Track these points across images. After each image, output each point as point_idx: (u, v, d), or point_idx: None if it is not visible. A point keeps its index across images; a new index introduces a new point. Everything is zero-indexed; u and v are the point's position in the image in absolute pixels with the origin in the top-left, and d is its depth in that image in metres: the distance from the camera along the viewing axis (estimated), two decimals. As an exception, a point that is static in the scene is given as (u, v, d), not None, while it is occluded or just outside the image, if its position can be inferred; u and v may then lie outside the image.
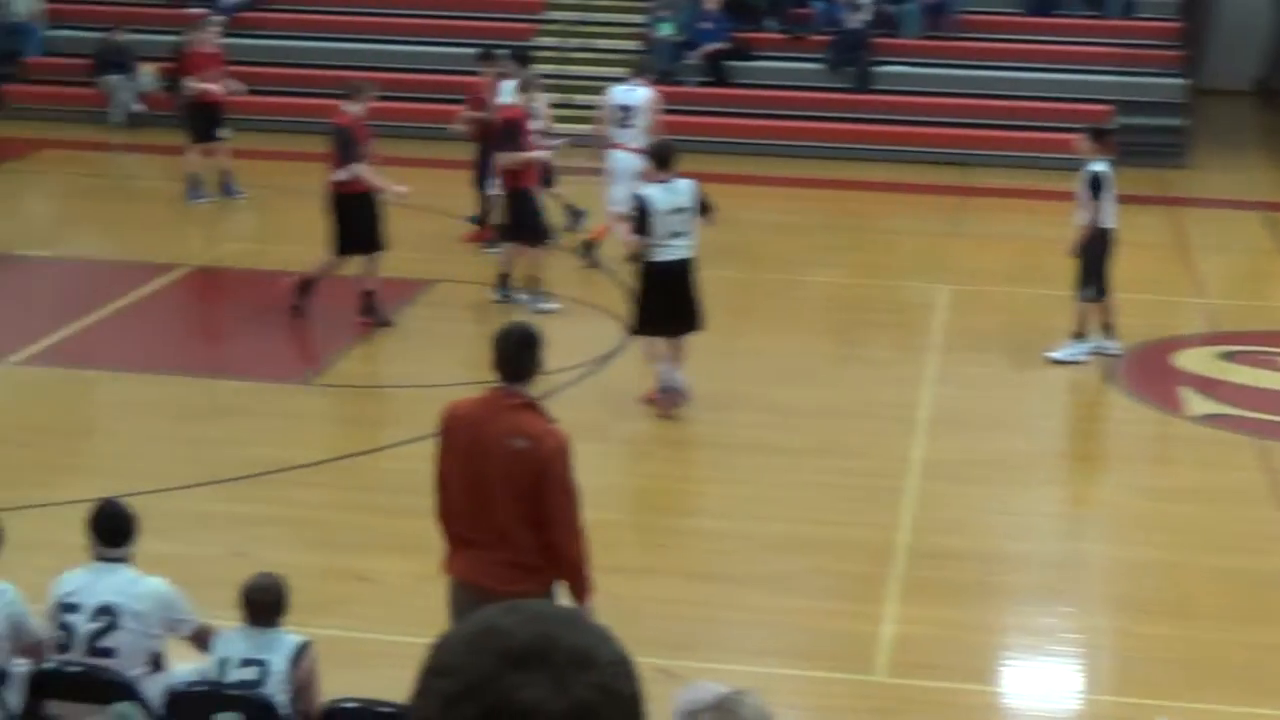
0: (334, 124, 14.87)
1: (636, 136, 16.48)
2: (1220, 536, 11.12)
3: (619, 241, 15.67)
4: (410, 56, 24.28)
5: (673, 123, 17.30)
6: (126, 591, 7.22)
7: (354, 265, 14.94)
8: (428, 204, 17.08)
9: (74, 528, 7.65)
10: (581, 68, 23.57)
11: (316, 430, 12.96)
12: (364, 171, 14.65)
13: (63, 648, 7.18)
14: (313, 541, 10.69)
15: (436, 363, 14.12)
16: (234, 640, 7.15)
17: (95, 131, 23.28)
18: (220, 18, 21.54)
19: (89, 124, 23.48)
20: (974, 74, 23.73)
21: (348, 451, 12.20)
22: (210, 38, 19.77)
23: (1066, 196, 15.12)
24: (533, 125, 15.37)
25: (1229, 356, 14.85)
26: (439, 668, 1.94)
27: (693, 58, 23.75)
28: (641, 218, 12.57)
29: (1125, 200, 14.83)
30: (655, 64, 20.37)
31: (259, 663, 7.04)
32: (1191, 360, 14.77)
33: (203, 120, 19.28)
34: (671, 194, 12.58)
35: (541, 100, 16.27)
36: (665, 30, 24.01)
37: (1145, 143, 22.11)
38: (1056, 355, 14.32)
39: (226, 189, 19.58)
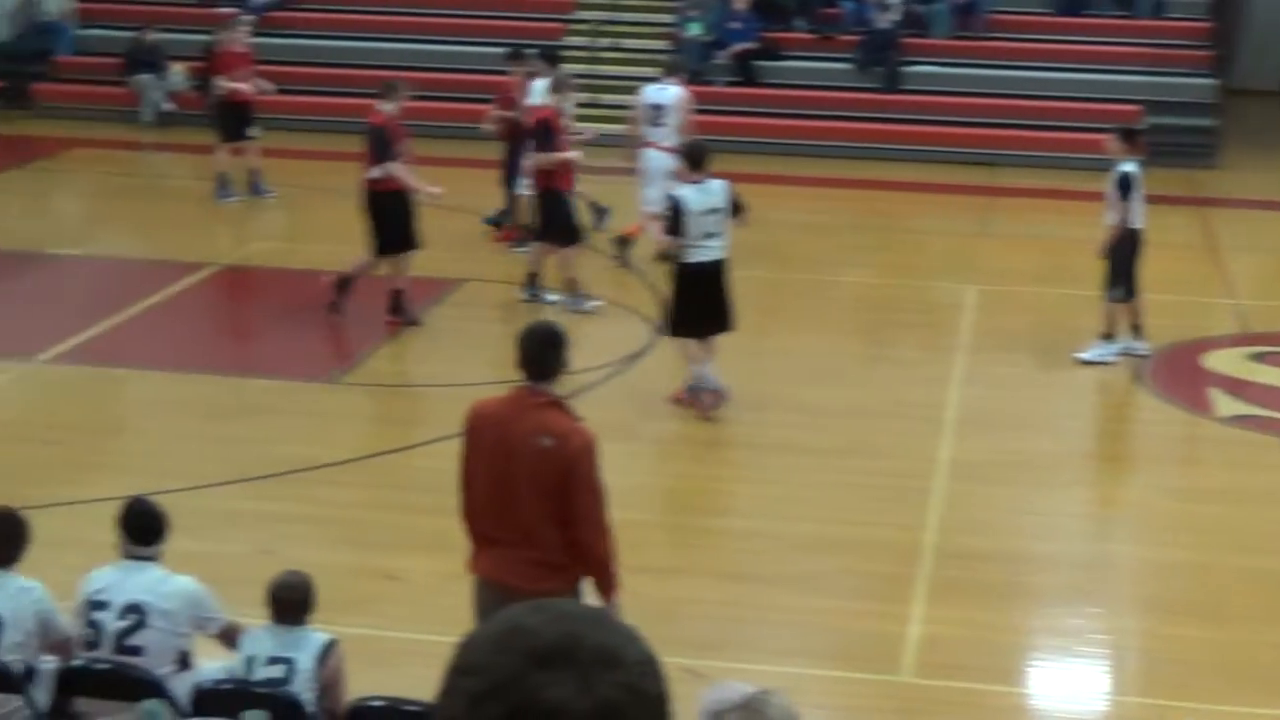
0: (369, 123, 14.87)
1: (668, 135, 16.46)
2: (1249, 537, 11.07)
3: (650, 241, 15.68)
4: (438, 56, 24.31)
5: (701, 122, 17.28)
6: (155, 590, 7.24)
7: (385, 264, 14.98)
8: (457, 204, 17.09)
9: (102, 525, 7.67)
10: (610, 67, 23.59)
11: (344, 429, 12.97)
12: (398, 170, 14.67)
13: (91, 645, 7.21)
14: (340, 540, 10.70)
15: (464, 362, 14.12)
16: (261, 638, 7.16)
17: (125, 130, 23.38)
18: (250, 17, 21.65)
19: (119, 123, 23.58)
20: (1003, 74, 23.66)
21: (375, 450, 12.23)
22: (240, 37, 19.82)
23: (1095, 197, 15.07)
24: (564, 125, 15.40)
25: (1259, 358, 14.78)
26: (465, 666, 1.94)
27: (721, 57, 23.73)
28: (675, 218, 12.55)
29: (1155, 200, 14.79)
30: (685, 64, 20.38)
31: (286, 661, 7.05)
32: (1221, 361, 14.70)
33: (232, 119, 19.34)
34: (705, 194, 12.56)
35: (572, 100, 16.27)
36: (694, 30, 23.99)
37: (1175, 143, 22.03)
38: (1085, 356, 14.27)
39: (255, 188, 19.64)
